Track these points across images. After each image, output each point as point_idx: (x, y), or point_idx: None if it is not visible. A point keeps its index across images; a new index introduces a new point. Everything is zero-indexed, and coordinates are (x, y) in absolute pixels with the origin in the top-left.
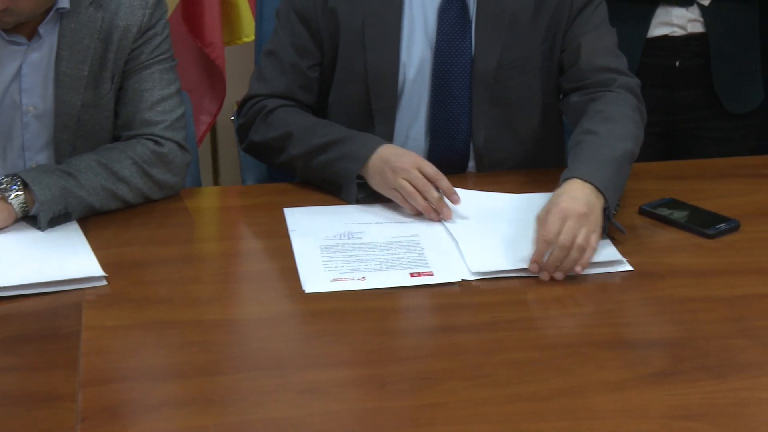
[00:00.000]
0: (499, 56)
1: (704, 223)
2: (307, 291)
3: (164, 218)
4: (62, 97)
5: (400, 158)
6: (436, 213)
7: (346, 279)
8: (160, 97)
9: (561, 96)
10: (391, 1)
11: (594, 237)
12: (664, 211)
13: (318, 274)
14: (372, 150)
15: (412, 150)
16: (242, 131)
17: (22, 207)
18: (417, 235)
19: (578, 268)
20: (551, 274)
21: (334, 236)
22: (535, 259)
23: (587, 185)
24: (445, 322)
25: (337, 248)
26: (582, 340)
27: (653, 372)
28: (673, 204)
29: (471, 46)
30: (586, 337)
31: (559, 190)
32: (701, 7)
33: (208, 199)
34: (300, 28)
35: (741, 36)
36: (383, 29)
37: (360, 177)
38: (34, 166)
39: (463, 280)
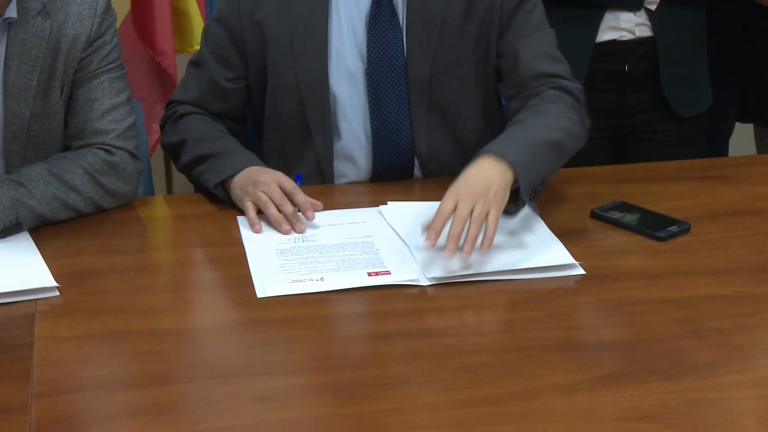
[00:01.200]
0: (432, 62)
1: (655, 226)
2: (266, 294)
3: (117, 227)
4: (11, 108)
5: (263, 174)
6: (287, 226)
7: (304, 280)
8: (110, 106)
9: (503, 102)
10: (317, 11)
11: (493, 212)
12: (615, 215)
13: (276, 277)
14: (239, 168)
15: (358, 158)
16: (161, 132)
17: None
18: (371, 236)
19: (483, 247)
20: (452, 251)
21: (289, 240)
22: (429, 236)
23: (495, 160)
24: (399, 328)
25: (293, 251)
26: (535, 344)
27: (606, 374)
28: (624, 207)
29: (403, 53)
30: (538, 341)
31: (466, 169)
32: (649, 11)
33: (160, 207)
34: (224, 40)
35: (689, 40)
36: (311, 39)
37: (223, 190)
38: None
39: (416, 285)
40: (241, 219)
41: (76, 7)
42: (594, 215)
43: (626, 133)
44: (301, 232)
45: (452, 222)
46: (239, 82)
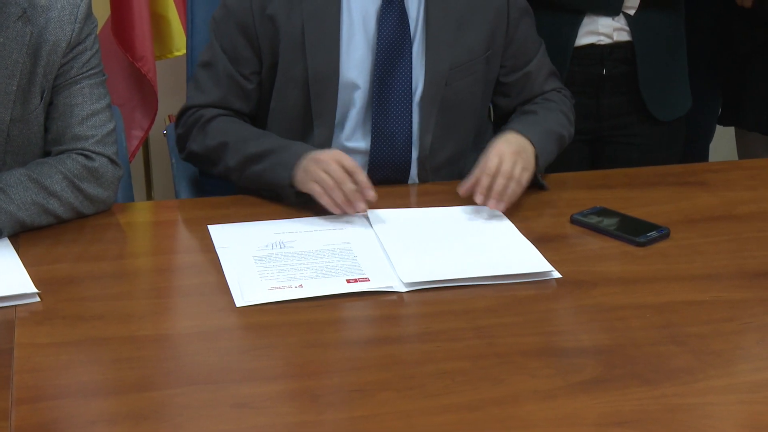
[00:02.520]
0: (452, 58)
1: (635, 231)
2: (244, 302)
3: (96, 234)
4: None
5: (323, 152)
6: (350, 206)
7: (283, 287)
8: (90, 112)
9: (492, 109)
10: (329, 5)
11: (526, 174)
12: (595, 220)
13: (254, 285)
14: (300, 156)
15: (355, 152)
16: (180, 141)
17: None
18: (348, 243)
19: (503, 203)
20: (497, 202)
21: (266, 246)
22: (481, 191)
23: (520, 136)
24: (377, 334)
25: (271, 258)
26: (513, 350)
27: (585, 380)
28: (604, 212)
29: (411, 52)
30: (517, 346)
31: (498, 137)
32: (627, 16)
33: (140, 214)
34: (237, 37)
35: (667, 44)
36: (323, 32)
37: (293, 186)
38: None
39: (394, 291)
40: (213, 228)
41: (56, 13)
42: (573, 221)
43: (604, 136)
44: (362, 211)
45: (498, 177)
46: (255, 78)
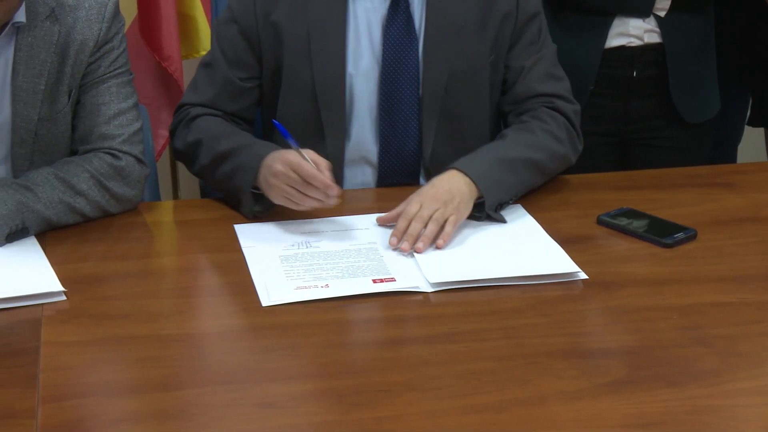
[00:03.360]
0: (449, 67)
1: (661, 233)
2: (270, 301)
3: (122, 233)
4: (19, 112)
5: (278, 160)
6: (324, 204)
7: (309, 287)
8: (117, 111)
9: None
10: (335, 12)
11: (452, 218)
12: (623, 221)
13: (280, 284)
14: (260, 158)
15: (365, 161)
16: (171, 137)
17: None
18: (374, 243)
19: (440, 241)
20: (408, 248)
21: (293, 245)
22: (394, 234)
23: (460, 175)
24: (403, 334)
25: (297, 258)
26: (539, 350)
27: (610, 381)
28: (631, 213)
29: (418, 58)
30: (543, 347)
31: (434, 178)
32: (658, 17)
33: (166, 213)
34: (239, 41)
35: (697, 46)
36: (328, 40)
37: (257, 188)
38: None
39: (420, 291)
40: (239, 228)
41: (84, 12)
42: (601, 222)
43: (631, 138)
44: (336, 204)
45: (413, 221)
46: (253, 81)
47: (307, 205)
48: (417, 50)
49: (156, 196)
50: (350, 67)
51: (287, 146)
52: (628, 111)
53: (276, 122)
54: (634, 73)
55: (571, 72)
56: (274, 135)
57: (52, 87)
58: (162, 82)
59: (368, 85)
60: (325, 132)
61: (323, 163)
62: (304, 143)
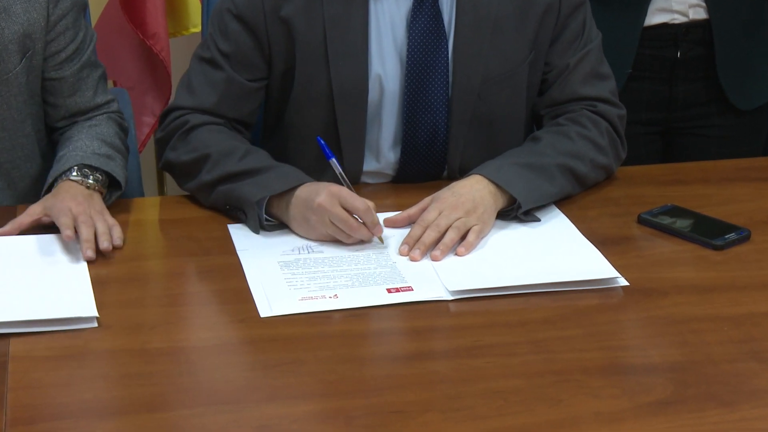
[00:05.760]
0: (484, 69)
1: (711, 233)
2: (272, 313)
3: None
4: None
5: (315, 194)
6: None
7: (316, 297)
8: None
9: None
10: (354, 9)
11: (476, 228)
12: (666, 220)
13: (282, 293)
14: (289, 185)
15: (381, 174)
16: (160, 146)
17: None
18: (386, 247)
19: (461, 249)
20: (419, 257)
21: (293, 250)
22: (406, 241)
23: (484, 182)
24: (419, 348)
25: (299, 264)
26: (573, 366)
27: (654, 401)
28: (676, 211)
29: (447, 58)
30: (577, 363)
31: (456, 182)
32: None
33: (151, 211)
34: (244, 37)
35: (748, 22)
36: (349, 41)
37: (263, 206)
38: None
39: (439, 300)
40: (233, 228)
41: (20, 5)
42: (641, 220)
43: (677, 127)
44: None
45: (428, 229)
46: (260, 82)
47: (351, 242)
48: (446, 49)
49: (139, 192)
50: (373, 72)
51: (314, 169)
52: (672, 96)
53: (320, 140)
54: (678, 54)
55: (606, 53)
56: (277, 142)
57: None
58: (146, 63)
59: (391, 89)
60: (341, 143)
61: (368, 202)
62: (315, 157)
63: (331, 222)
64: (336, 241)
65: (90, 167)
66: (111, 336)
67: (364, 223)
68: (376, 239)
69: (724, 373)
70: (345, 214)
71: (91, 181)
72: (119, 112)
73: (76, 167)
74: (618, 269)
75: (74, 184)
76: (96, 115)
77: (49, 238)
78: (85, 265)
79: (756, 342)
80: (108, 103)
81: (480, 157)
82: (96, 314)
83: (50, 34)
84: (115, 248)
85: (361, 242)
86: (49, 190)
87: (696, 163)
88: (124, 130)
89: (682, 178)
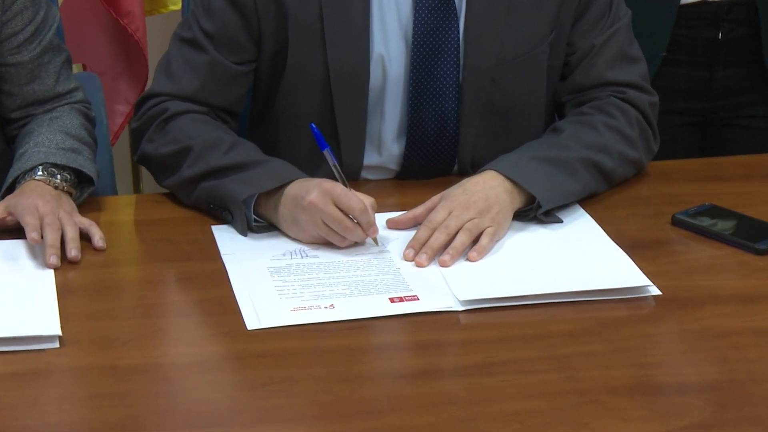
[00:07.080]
0: (498, 50)
1: (754, 236)
2: (261, 325)
3: None
4: None
5: (309, 192)
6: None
7: (310, 308)
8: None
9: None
10: None
11: (489, 230)
12: (704, 221)
13: (272, 303)
14: (280, 181)
15: (385, 166)
16: (136, 137)
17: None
18: (388, 252)
19: (473, 254)
20: (426, 262)
21: (284, 255)
22: (412, 245)
23: (500, 179)
24: (426, 365)
25: (291, 270)
26: (599, 386)
27: (689, 424)
28: (715, 212)
29: (458, 39)
30: (603, 382)
31: (468, 178)
32: None
33: (125, 210)
34: (231, 16)
35: None
36: (348, 19)
37: (251, 205)
38: None
39: (448, 311)
40: (217, 229)
41: None
42: (676, 222)
43: (717, 117)
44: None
45: (436, 231)
46: (248, 65)
47: (345, 245)
48: (457, 28)
49: (112, 189)
50: (375, 55)
51: (307, 162)
52: (711, 83)
53: (314, 128)
54: (720, 35)
55: (636, 34)
56: (266, 131)
57: None
58: (120, 44)
59: (394, 73)
60: (339, 133)
61: (368, 199)
62: (309, 148)
63: (324, 222)
64: (330, 244)
65: (56, 165)
66: (79, 352)
67: (359, 224)
68: (369, 240)
69: None
70: (338, 214)
71: (58, 181)
72: (85, 101)
73: (41, 166)
74: (649, 276)
75: (40, 183)
76: (57, 106)
77: (12, 244)
78: (51, 273)
79: None
80: (71, 92)
81: (494, 150)
82: (59, 333)
83: (6, 14)
84: (97, 251)
85: (355, 245)
86: (9, 191)
87: (738, 158)
88: (90, 121)
89: (721, 173)
